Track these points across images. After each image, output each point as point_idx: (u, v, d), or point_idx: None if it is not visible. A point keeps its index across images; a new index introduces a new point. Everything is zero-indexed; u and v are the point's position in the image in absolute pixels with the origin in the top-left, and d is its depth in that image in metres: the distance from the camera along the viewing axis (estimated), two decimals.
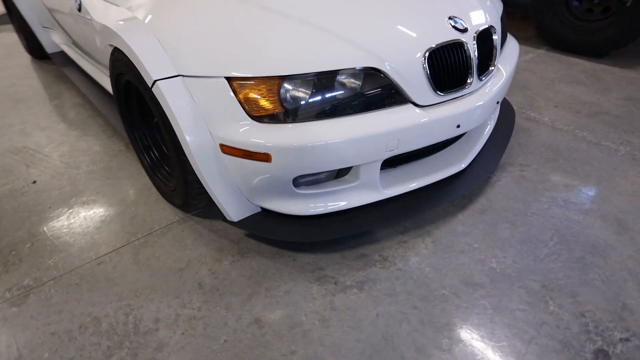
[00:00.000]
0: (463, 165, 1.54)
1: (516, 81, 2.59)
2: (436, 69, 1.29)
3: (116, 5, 1.51)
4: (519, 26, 3.65)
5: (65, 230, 1.54)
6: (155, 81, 1.17)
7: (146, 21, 1.29)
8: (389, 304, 1.24)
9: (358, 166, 1.29)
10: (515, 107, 2.28)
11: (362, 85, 1.21)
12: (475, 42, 1.36)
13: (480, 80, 1.42)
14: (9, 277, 1.36)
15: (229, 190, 1.32)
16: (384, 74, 1.22)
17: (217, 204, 1.33)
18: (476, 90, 1.41)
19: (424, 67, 1.25)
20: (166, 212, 1.61)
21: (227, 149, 1.21)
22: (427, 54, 1.25)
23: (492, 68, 1.48)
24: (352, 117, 1.21)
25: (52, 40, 2.84)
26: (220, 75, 1.16)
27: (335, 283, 1.31)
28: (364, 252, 1.41)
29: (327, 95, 1.19)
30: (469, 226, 1.51)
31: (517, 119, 2.17)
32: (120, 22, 1.32)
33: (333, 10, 1.29)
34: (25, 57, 3.28)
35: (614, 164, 1.81)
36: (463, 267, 1.35)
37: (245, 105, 1.17)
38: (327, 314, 1.21)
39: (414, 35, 1.27)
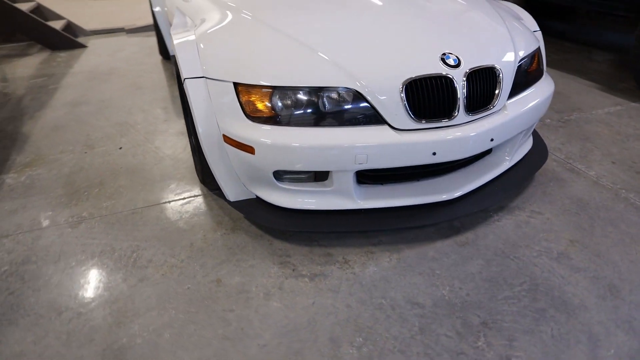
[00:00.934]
0: (445, 197, 1.59)
1: (581, 131, 2.41)
2: (416, 98, 1.40)
3: (190, 18, 1.95)
4: (618, 74, 3.30)
5: (122, 186, 2.00)
6: (185, 79, 1.53)
7: (196, 33, 1.67)
8: (328, 297, 1.38)
9: (332, 173, 1.47)
10: (562, 157, 2.15)
11: (341, 102, 1.40)
12: (465, 78, 1.44)
13: (470, 115, 1.47)
14: (76, 208, 1.85)
15: (229, 174, 1.61)
16: (362, 96, 1.38)
17: (218, 184, 1.63)
18: (463, 124, 1.47)
19: (401, 96, 1.38)
20: (196, 187, 1.97)
21: (227, 139, 1.50)
22: (405, 84, 1.38)
23: (493, 106, 1.52)
24: (329, 128, 1.40)
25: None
26: (230, 80, 1.46)
27: (293, 270, 1.49)
28: (330, 252, 1.56)
29: (309, 107, 1.40)
30: (441, 254, 1.54)
31: (558, 169, 2.05)
32: (179, 31, 1.72)
33: (332, 36, 1.50)
34: (158, 57, 4.12)
35: None
36: (414, 286, 1.41)
37: (245, 106, 1.45)
38: (273, 290, 1.41)
39: (397, 64, 1.41)
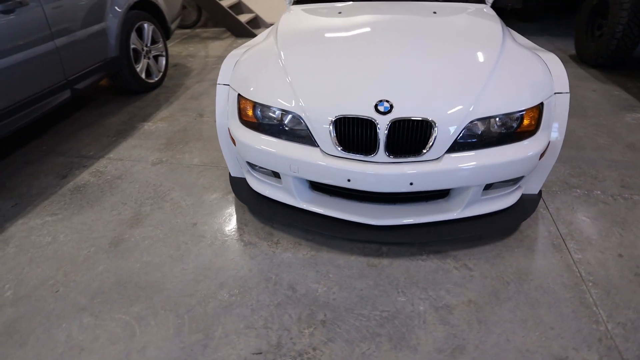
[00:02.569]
0: (373, 222, 1.82)
1: (628, 214, 2.07)
2: (343, 132, 1.71)
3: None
4: None
5: (196, 147, 2.83)
6: (217, 84, 2.18)
7: (242, 51, 2.28)
8: (244, 259, 1.87)
9: (280, 173, 1.91)
10: (564, 231, 1.97)
11: (294, 123, 1.82)
12: (388, 125, 1.65)
13: (390, 157, 1.68)
14: (162, 154, 2.78)
15: (231, 156, 2.21)
16: (304, 122, 1.77)
17: (225, 161, 2.26)
18: (382, 162, 1.69)
19: (329, 129, 1.71)
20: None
21: (229, 131, 2.10)
22: (334, 120, 1.70)
23: (421, 154, 1.67)
24: (280, 140, 1.85)
25: None
26: (237, 91, 2.04)
27: (241, 234, 2.02)
28: (272, 233, 2.03)
29: (275, 121, 1.87)
30: (347, 266, 1.83)
31: (542, 238, 1.93)
32: (242, 49, 2.37)
33: (308, 70, 1.90)
34: None
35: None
36: (303, 277, 1.77)
37: (241, 111, 2.01)
38: (216, 242, 1.98)
39: (335, 102, 1.73)
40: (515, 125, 1.77)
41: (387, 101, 1.70)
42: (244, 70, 2.09)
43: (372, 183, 1.71)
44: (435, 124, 1.67)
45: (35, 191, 2.42)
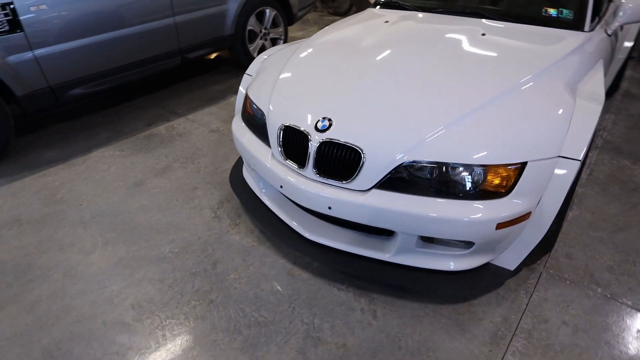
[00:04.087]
0: (305, 234, 1.82)
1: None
2: (287, 140, 1.75)
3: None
4: None
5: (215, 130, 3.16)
6: (245, 73, 2.41)
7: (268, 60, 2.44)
8: (230, 238, 2.13)
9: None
10: (528, 326, 1.56)
11: (260, 121, 1.95)
12: (319, 143, 1.62)
13: (317, 175, 1.64)
14: (224, 124, 3.20)
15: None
16: (265, 126, 1.87)
17: None
18: (310, 178, 1.67)
19: (278, 133, 1.77)
20: None
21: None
22: (282, 127, 1.75)
23: (346, 181, 1.59)
24: (255, 137, 1.99)
25: None
26: (245, 92, 2.24)
27: (217, 209, 2.27)
28: (253, 230, 2.21)
29: (254, 118, 2.02)
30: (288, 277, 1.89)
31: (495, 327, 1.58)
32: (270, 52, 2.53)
33: (294, 74, 1.95)
34: None
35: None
36: (228, 251, 1.92)
37: (245, 108, 2.21)
38: (200, 205, 2.28)
39: (287, 112, 1.77)
40: (472, 179, 1.50)
41: (330, 120, 1.67)
42: (261, 66, 2.27)
43: (295, 195, 1.73)
44: (363, 154, 1.57)
45: (126, 130, 3.16)
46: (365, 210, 1.59)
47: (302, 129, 1.71)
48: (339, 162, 1.63)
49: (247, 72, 2.41)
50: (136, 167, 2.68)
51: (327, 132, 1.65)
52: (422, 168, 1.53)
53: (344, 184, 1.63)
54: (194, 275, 1.87)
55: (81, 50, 2.86)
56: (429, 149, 1.52)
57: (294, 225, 1.90)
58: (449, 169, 1.51)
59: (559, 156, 1.54)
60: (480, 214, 1.48)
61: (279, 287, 1.80)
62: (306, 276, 1.86)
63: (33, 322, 1.66)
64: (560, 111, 1.61)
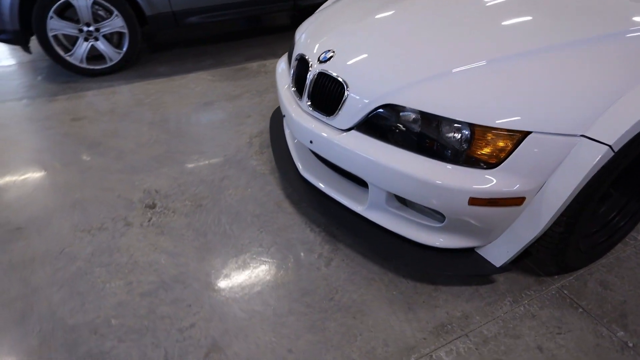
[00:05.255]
0: (300, 168, 1.80)
1: None
2: (298, 71, 1.72)
3: None
4: None
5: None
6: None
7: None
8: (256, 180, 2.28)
9: None
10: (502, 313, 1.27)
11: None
12: (316, 73, 1.55)
13: (309, 106, 1.58)
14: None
15: None
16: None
17: None
18: (304, 110, 1.62)
19: (293, 64, 1.76)
20: None
21: None
22: (298, 56, 1.72)
23: (329, 117, 1.50)
24: (286, 69, 2.01)
25: None
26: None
27: (253, 152, 2.39)
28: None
29: (290, 56, 2.02)
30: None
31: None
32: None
33: (330, 13, 1.87)
34: None
35: None
36: (255, 201, 2.03)
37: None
38: (235, 151, 2.44)
39: (309, 45, 1.71)
40: (455, 139, 1.26)
41: (333, 52, 1.57)
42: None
43: (291, 125, 1.71)
44: (347, 89, 1.45)
45: (227, 61, 3.49)
46: (338, 150, 1.49)
47: (308, 58, 1.66)
48: (328, 95, 1.54)
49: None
50: (216, 91, 2.97)
51: (326, 63, 1.57)
52: (403, 115, 1.35)
53: (327, 120, 1.54)
54: (201, 182, 2.04)
55: None
56: (414, 95, 1.32)
57: (295, 159, 1.89)
58: (431, 120, 1.29)
59: (582, 135, 1.17)
60: (451, 180, 1.24)
61: (260, 212, 1.84)
62: (290, 210, 1.85)
63: (80, 180, 2.07)
64: (606, 86, 1.20)
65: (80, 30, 3.05)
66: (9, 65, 3.50)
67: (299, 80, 1.73)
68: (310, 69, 1.63)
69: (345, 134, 1.48)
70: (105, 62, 3.23)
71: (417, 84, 1.34)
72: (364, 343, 1.31)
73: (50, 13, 2.91)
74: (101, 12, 3.08)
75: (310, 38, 1.78)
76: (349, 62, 1.51)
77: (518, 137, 1.20)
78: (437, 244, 1.43)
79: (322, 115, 1.57)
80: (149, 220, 1.81)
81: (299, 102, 1.70)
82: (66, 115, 2.68)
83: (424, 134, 1.32)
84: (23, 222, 1.80)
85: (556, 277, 1.51)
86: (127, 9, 3.09)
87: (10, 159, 2.24)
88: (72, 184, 2.04)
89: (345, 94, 1.47)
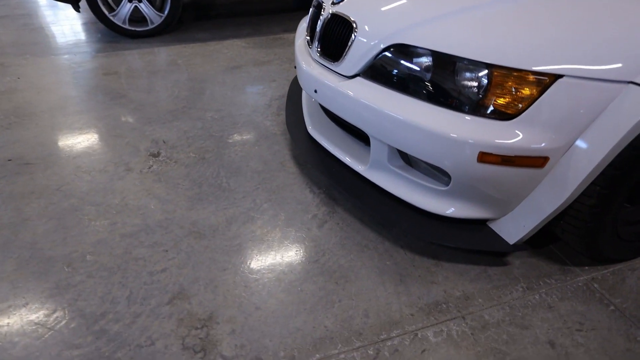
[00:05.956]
0: (309, 127, 1.66)
1: None
2: (314, 17, 1.58)
3: None
4: None
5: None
6: None
7: None
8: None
9: None
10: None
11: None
12: (328, 16, 1.40)
13: (318, 54, 1.44)
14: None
15: None
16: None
17: None
18: (314, 58, 1.49)
19: (311, 11, 1.62)
20: None
21: None
22: (316, 2, 1.59)
23: (336, 61, 1.35)
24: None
25: None
26: None
27: (271, 113, 2.28)
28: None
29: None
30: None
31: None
32: None
33: None
34: None
35: None
36: (260, 159, 1.93)
37: None
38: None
39: None
40: (470, 83, 1.07)
41: None
42: None
43: (300, 75, 1.58)
44: (356, 29, 1.28)
45: (265, 31, 3.42)
46: (340, 99, 1.33)
47: (322, 2, 1.52)
48: (337, 39, 1.39)
49: None
50: (246, 56, 2.90)
51: (339, 5, 1.41)
52: (411, 56, 1.16)
53: (333, 66, 1.39)
54: (210, 137, 1.97)
55: None
56: (425, 33, 1.14)
57: (306, 117, 1.76)
58: (443, 62, 1.10)
59: (631, 82, 0.93)
60: (459, 131, 1.05)
61: (262, 169, 1.73)
62: (293, 170, 1.72)
63: (95, 125, 2.08)
64: None
65: None
66: (72, 24, 3.67)
67: (313, 28, 1.59)
68: (322, 12, 1.48)
69: (349, 80, 1.32)
70: (147, 25, 3.28)
71: (429, 21, 1.15)
72: (341, 310, 1.15)
73: None
74: None
75: None
76: (361, 2, 1.35)
77: (545, 82, 0.98)
78: (440, 211, 1.24)
79: (329, 62, 1.42)
80: (149, 168, 1.76)
81: (310, 50, 1.57)
82: (100, 70, 2.73)
83: (432, 78, 1.13)
84: (33, 159, 1.83)
85: (586, 268, 1.26)
86: None
87: (40, 102, 2.30)
88: (86, 128, 2.05)
89: (353, 36, 1.31)
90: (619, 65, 0.94)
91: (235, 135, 1.98)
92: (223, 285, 1.24)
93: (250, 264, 1.30)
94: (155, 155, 1.84)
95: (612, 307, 1.15)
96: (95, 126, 2.07)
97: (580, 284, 1.21)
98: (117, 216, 1.51)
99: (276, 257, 1.32)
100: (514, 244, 1.18)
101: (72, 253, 1.36)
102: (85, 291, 1.22)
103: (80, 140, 1.95)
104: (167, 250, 1.36)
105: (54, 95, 2.39)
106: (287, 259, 1.32)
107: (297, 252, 1.34)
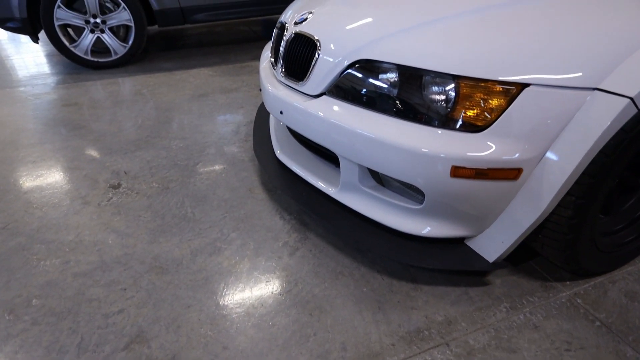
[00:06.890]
0: (277, 152, 1.60)
1: None
2: (278, 38, 1.55)
3: None
4: None
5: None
6: None
7: None
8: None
9: None
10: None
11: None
12: (290, 36, 1.37)
13: (282, 75, 1.40)
14: None
15: None
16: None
17: None
18: (278, 79, 1.46)
19: (275, 32, 1.59)
20: None
21: None
22: (279, 24, 1.57)
23: (300, 81, 1.31)
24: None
25: None
26: None
27: (238, 140, 2.22)
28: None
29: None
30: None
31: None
32: None
33: None
34: None
35: None
36: (226, 187, 1.85)
37: None
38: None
39: (291, 11, 1.55)
40: (437, 96, 1.04)
41: (310, 13, 1.40)
42: None
43: (265, 98, 1.53)
44: (319, 48, 1.26)
45: (233, 59, 3.39)
46: (305, 118, 1.29)
47: (285, 22, 1.49)
48: (301, 59, 1.36)
49: None
50: (213, 84, 2.86)
51: (301, 24, 1.39)
52: (378, 71, 1.13)
53: (298, 86, 1.35)
54: (174, 166, 1.88)
55: None
56: (390, 47, 1.11)
57: (273, 141, 1.70)
58: (408, 75, 1.07)
59: (596, 88, 0.92)
60: (430, 145, 1.01)
61: (229, 197, 1.65)
62: (262, 197, 1.64)
63: (50, 157, 1.95)
64: (626, 30, 0.95)
65: (87, 22, 3.04)
66: (34, 56, 3.54)
67: (277, 49, 1.56)
68: (285, 33, 1.45)
69: (315, 100, 1.28)
70: (110, 56, 3.20)
71: (393, 35, 1.13)
72: (316, 345, 1.06)
73: (58, 2, 2.92)
74: (109, 4, 3.07)
75: (292, 8, 1.63)
76: (324, 20, 1.33)
77: (513, 92, 0.96)
78: (416, 231, 1.18)
79: (293, 82, 1.38)
80: (109, 200, 1.65)
81: (274, 72, 1.53)
82: (59, 101, 2.61)
83: (399, 92, 1.09)
84: None
85: (568, 283, 1.22)
86: (134, 2, 3.06)
87: None
88: (41, 161, 1.92)
89: (316, 54, 1.27)
90: (584, 72, 0.93)
91: (201, 163, 1.90)
92: (187, 324, 1.13)
93: (216, 298, 1.20)
94: (115, 187, 1.73)
95: (597, 323, 1.10)
96: (50, 159, 1.95)
97: (563, 300, 1.17)
98: (70, 254, 1.38)
99: (245, 290, 1.23)
100: (494, 262, 1.13)
101: (15, 298, 1.21)
102: (27, 341, 1.09)
103: (33, 174, 1.82)
104: (125, 289, 1.24)
105: (7, 128, 2.25)
106: (256, 292, 1.22)
107: (268, 283, 1.25)
